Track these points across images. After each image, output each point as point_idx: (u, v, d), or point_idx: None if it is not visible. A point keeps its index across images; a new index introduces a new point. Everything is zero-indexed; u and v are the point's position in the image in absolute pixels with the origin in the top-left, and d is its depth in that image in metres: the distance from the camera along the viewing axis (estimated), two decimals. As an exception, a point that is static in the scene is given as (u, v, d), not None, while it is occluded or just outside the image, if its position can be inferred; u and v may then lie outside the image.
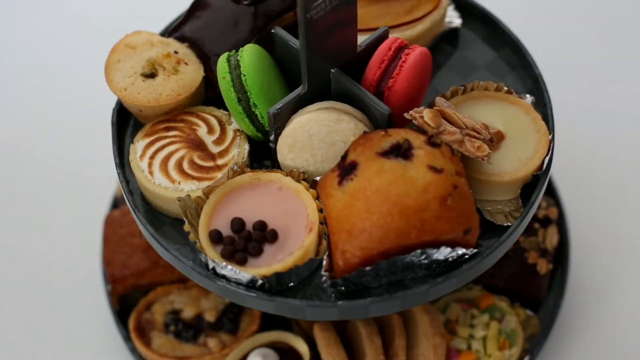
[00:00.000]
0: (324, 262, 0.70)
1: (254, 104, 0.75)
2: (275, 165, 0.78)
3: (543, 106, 0.80)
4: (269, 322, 0.92)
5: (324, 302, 0.70)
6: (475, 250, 0.71)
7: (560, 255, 0.96)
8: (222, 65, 0.75)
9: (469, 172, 0.72)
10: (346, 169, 0.69)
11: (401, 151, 0.69)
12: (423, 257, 0.69)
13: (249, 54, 0.75)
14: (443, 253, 0.69)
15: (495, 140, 0.74)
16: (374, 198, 0.67)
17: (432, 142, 0.70)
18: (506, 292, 0.92)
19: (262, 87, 0.75)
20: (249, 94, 0.75)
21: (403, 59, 0.74)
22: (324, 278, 0.70)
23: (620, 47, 1.17)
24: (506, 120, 0.76)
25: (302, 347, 0.87)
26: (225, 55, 0.76)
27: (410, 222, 0.67)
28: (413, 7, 0.85)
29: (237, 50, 0.77)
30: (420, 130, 0.71)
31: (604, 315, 0.96)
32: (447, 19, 0.88)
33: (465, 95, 0.78)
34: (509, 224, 0.73)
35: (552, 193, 1.00)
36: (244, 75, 0.75)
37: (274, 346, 0.88)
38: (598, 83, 1.14)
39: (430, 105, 0.74)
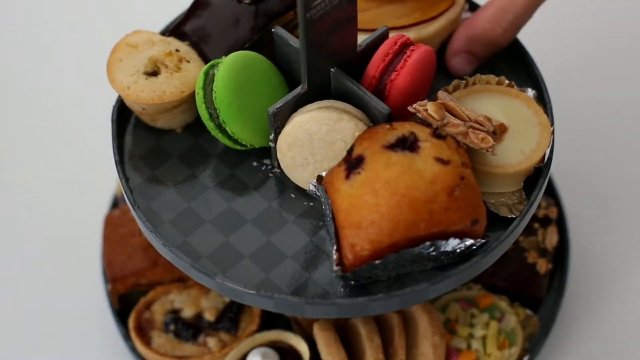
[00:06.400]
0: (334, 257, 0.70)
1: (223, 121, 0.75)
2: (274, 164, 0.78)
3: (543, 106, 0.80)
4: (268, 321, 0.92)
5: (323, 299, 0.70)
6: (483, 241, 0.71)
7: (560, 255, 0.96)
8: (199, 78, 0.75)
9: (472, 165, 0.72)
10: (353, 163, 0.69)
11: (407, 144, 0.69)
12: (432, 249, 0.69)
13: (226, 68, 0.74)
14: (451, 244, 0.69)
15: (498, 132, 0.74)
16: (383, 191, 0.67)
17: (438, 134, 0.70)
18: (506, 292, 0.92)
19: (230, 105, 0.74)
20: (218, 111, 0.75)
21: (408, 54, 0.74)
22: (335, 272, 0.70)
23: (620, 47, 1.17)
24: (508, 113, 0.77)
25: (302, 346, 0.87)
26: (206, 67, 0.75)
27: (419, 213, 0.67)
28: (429, 5, 0.83)
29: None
30: (424, 123, 0.71)
31: (604, 315, 0.96)
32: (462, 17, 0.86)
33: (467, 89, 0.78)
34: (513, 216, 0.73)
35: (552, 193, 1.00)
36: (215, 92, 0.74)
37: (274, 345, 0.88)
38: (598, 83, 1.14)
39: (433, 99, 0.74)
